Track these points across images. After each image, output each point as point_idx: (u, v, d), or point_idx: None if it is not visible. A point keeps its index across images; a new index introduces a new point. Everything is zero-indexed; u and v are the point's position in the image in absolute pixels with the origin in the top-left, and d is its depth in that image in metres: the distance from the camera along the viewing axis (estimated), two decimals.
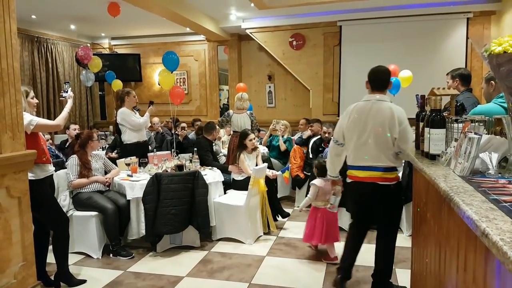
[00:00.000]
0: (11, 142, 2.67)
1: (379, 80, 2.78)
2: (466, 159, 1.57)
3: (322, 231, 3.51)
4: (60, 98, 3.66)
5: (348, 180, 2.88)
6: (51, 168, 3.09)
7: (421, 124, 2.28)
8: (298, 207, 5.33)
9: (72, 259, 3.66)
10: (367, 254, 3.71)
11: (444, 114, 2.06)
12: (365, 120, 2.72)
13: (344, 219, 4.31)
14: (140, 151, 4.71)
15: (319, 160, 3.85)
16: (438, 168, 1.76)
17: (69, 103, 3.30)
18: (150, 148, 5.39)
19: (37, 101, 3.11)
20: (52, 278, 3.19)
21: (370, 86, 2.80)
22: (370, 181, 2.72)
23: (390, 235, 2.92)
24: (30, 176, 2.79)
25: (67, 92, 3.37)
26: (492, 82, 2.73)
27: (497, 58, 1.55)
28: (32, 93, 3.05)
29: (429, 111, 2.07)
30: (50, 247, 3.17)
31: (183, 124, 6.62)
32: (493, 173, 1.53)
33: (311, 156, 5.23)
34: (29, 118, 2.84)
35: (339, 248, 3.56)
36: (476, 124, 1.71)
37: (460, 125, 1.85)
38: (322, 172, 3.63)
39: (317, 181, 3.65)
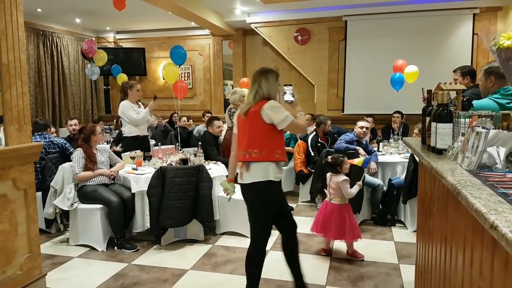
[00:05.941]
0: (18, 134, 2.69)
1: None
2: (474, 153, 1.56)
3: (345, 228, 3.44)
4: (285, 102, 2.72)
5: None
6: None
7: (427, 119, 2.26)
8: (302, 202, 5.35)
9: (76, 251, 3.71)
10: (370, 249, 3.74)
11: (451, 109, 2.05)
12: None
13: None
14: (138, 145, 4.65)
15: (334, 156, 3.63)
16: (445, 162, 1.75)
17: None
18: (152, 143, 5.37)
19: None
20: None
21: None
22: None
23: None
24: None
25: (293, 96, 2.69)
26: (492, 77, 2.67)
27: (506, 51, 1.54)
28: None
29: (436, 106, 2.06)
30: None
31: (184, 118, 6.66)
32: (501, 167, 1.52)
33: (312, 153, 5.22)
34: (284, 114, 2.50)
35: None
36: (484, 118, 1.69)
37: (467, 119, 1.84)
38: (333, 167, 3.55)
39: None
